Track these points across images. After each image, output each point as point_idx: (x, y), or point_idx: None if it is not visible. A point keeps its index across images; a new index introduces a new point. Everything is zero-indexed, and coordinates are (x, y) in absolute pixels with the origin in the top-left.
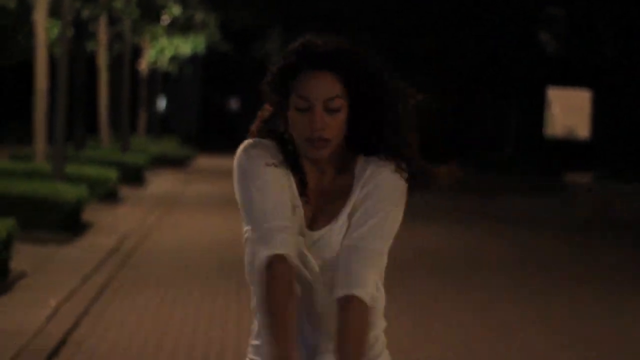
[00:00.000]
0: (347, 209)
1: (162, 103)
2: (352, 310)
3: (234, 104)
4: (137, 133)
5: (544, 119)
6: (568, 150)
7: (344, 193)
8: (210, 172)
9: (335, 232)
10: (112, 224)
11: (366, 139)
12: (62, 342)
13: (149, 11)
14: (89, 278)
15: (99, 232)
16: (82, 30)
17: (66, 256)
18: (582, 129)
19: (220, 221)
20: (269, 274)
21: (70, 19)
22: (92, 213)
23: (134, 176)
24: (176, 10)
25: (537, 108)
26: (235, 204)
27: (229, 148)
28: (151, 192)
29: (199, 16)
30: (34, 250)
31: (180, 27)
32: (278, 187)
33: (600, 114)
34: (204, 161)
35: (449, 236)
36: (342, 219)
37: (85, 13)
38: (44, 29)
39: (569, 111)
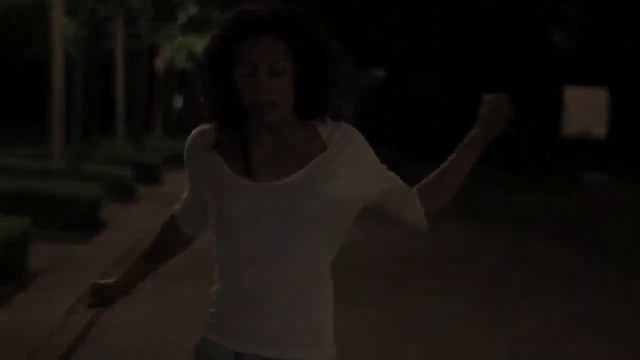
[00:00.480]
0: (328, 168)
1: (178, 102)
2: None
3: None
4: (153, 132)
5: (560, 118)
6: (584, 149)
7: (307, 153)
8: None
9: (304, 181)
10: (129, 222)
11: (313, 100)
12: (80, 339)
13: (165, 10)
14: (106, 275)
15: (116, 229)
16: (98, 30)
17: (83, 254)
18: (599, 128)
19: None
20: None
21: (86, 18)
22: (109, 211)
23: (150, 174)
24: (193, 9)
25: (554, 107)
26: None
27: None
28: (168, 191)
29: (215, 15)
30: (50, 249)
31: (196, 26)
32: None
33: (617, 112)
34: None
35: (478, 236)
36: (320, 173)
37: (102, 12)
38: (61, 27)
39: (585, 110)
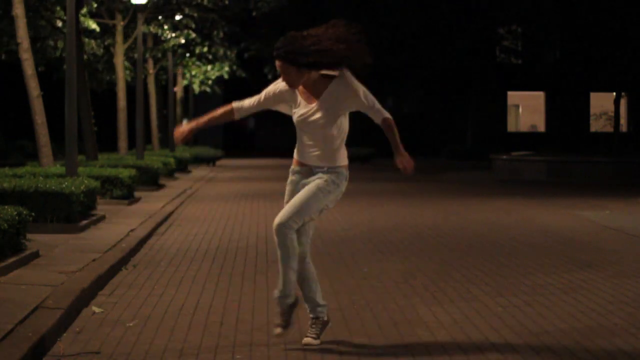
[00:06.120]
0: (324, 98)
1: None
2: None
3: (250, 120)
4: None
5: (505, 117)
6: (526, 141)
7: (320, 94)
8: (232, 167)
9: (317, 106)
10: (175, 188)
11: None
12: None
13: (188, 49)
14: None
15: (170, 188)
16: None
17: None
18: (542, 125)
19: (239, 187)
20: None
21: (141, 60)
22: (165, 180)
23: (180, 166)
24: (204, 47)
25: (499, 108)
26: (245, 179)
27: (246, 152)
28: (195, 176)
29: (221, 50)
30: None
31: (207, 59)
32: (272, 91)
33: (551, 111)
34: (227, 161)
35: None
36: (320, 102)
37: (147, 54)
38: (122, 68)
39: (531, 110)
